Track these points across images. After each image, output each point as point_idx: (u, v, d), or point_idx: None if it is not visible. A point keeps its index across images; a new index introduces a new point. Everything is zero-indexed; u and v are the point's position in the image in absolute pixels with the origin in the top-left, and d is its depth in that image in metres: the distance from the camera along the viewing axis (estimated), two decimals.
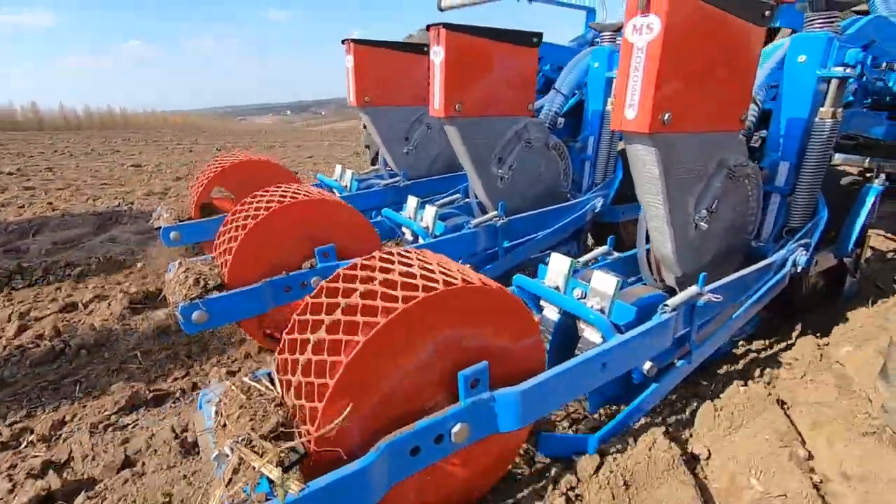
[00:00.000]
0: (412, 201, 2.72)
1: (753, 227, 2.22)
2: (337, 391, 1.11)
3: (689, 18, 1.44)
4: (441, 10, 5.39)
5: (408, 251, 1.48)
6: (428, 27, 2.38)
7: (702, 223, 1.82)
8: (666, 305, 1.65)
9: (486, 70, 2.48)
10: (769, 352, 2.41)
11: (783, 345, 2.50)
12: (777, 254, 2.15)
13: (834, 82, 2.06)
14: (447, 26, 2.30)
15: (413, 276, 1.30)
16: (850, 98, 2.82)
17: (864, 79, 2.46)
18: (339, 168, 3.62)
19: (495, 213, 2.64)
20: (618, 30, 2.89)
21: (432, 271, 1.30)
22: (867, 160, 3.31)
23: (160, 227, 2.75)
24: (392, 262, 1.39)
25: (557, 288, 1.80)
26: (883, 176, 2.43)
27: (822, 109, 2.10)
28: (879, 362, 1.73)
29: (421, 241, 2.54)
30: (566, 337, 1.79)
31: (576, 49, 3.96)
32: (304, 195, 2.18)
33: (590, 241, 3.53)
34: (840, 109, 2.12)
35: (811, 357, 2.36)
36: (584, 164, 3.20)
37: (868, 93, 2.76)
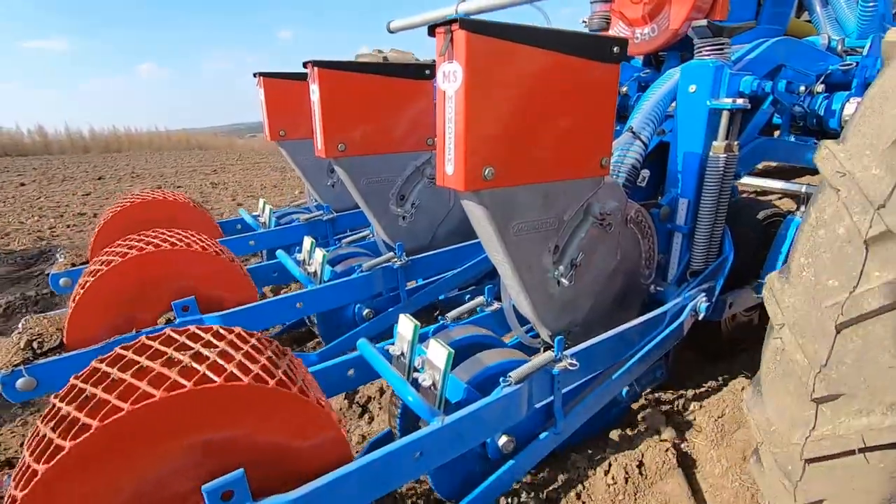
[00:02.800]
0: (307, 243, 2.57)
1: (650, 272, 2.04)
2: None
3: (498, 62, 1.28)
4: (390, 32, 5.29)
5: (208, 329, 1.33)
6: (304, 64, 2.25)
7: (564, 280, 1.64)
8: (509, 377, 1.48)
9: (372, 106, 2.34)
10: (680, 402, 2.21)
11: (700, 391, 2.30)
12: (671, 302, 1.96)
13: (725, 114, 1.89)
14: (320, 64, 2.17)
15: (175, 363, 1.16)
16: (779, 121, 2.66)
17: (779, 105, 2.30)
18: (261, 202, 3.50)
19: (392, 254, 2.49)
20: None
21: (202, 360, 1.15)
22: (804, 187, 3.12)
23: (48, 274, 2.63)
24: (169, 345, 1.24)
25: (402, 355, 1.63)
26: (804, 206, 2.24)
27: (714, 143, 1.93)
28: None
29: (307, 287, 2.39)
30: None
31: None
32: (167, 243, 2.04)
33: None
34: (736, 143, 1.94)
35: (729, 407, 2.17)
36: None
37: (794, 119, 2.58)
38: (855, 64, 2.42)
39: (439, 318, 1.88)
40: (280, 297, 2.23)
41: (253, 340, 1.34)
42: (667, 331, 1.92)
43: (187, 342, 1.26)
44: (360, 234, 2.94)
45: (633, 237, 1.89)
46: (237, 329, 1.38)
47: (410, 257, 2.52)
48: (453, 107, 1.30)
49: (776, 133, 2.74)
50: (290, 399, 1.19)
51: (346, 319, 2.59)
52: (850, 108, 2.34)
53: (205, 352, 1.22)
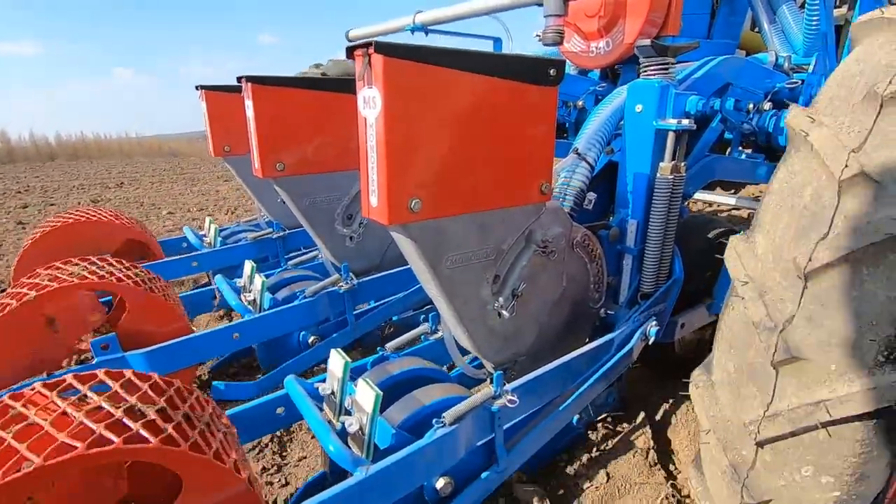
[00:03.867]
0: (247, 267, 2.44)
1: (599, 295, 1.98)
2: None
3: (420, 88, 1.19)
4: (349, 41, 5.18)
5: (118, 374, 1.20)
6: (238, 79, 2.13)
7: (504, 312, 1.56)
8: (443, 418, 1.38)
9: (311, 123, 2.23)
10: (634, 424, 2.15)
11: (654, 413, 2.26)
12: (620, 328, 1.90)
13: (671, 135, 1.85)
14: (253, 79, 2.05)
15: (64, 422, 1.03)
16: (730, 136, 2.65)
17: (728, 123, 2.28)
18: (207, 220, 3.34)
19: (337, 277, 2.38)
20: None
21: (98, 419, 1.02)
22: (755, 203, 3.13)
23: None
24: (65, 396, 1.11)
25: (333, 394, 1.52)
26: None
27: (661, 164, 1.88)
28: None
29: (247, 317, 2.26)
30: None
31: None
32: (87, 272, 1.89)
33: None
34: (683, 163, 1.91)
35: (684, 428, 2.13)
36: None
37: (744, 136, 2.58)
38: (801, 82, 2.43)
39: (378, 349, 1.78)
40: (214, 328, 2.09)
41: (171, 391, 1.21)
42: (615, 357, 1.86)
43: (88, 395, 1.13)
44: (311, 255, 2.82)
45: (579, 262, 1.83)
46: (153, 376, 1.25)
47: (359, 279, 2.42)
48: (374, 135, 1.21)
49: (729, 149, 2.74)
50: (204, 464, 1.07)
51: (290, 346, 2.46)
52: None
53: (107, 406, 1.09)
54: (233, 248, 3.11)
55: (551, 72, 1.42)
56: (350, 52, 1.21)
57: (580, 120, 3.08)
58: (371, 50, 1.14)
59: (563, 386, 1.74)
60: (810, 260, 1.09)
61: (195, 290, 2.58)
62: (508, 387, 1.52)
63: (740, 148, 2.60)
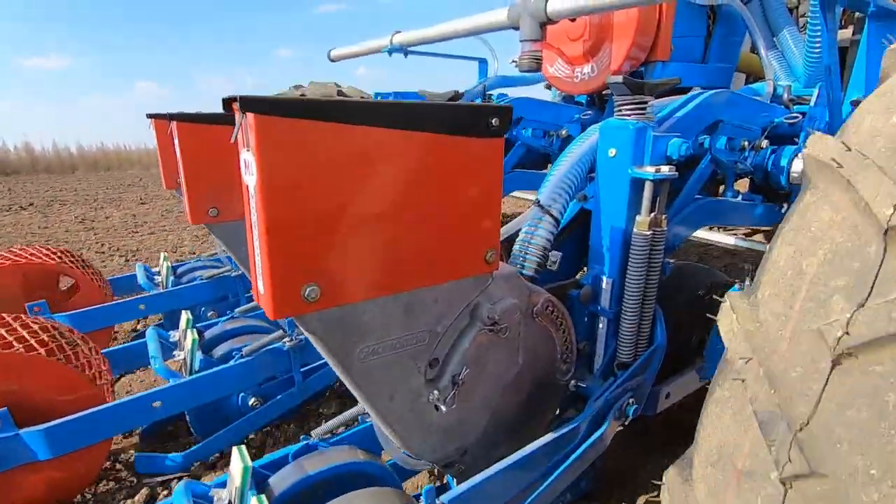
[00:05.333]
0: (182, 320, 2.19)
1: (568, 366, 1.71)
2: None
3: (307, 150, 0.94)
4: (332, 61, 4.99)
5: None
6: (148, 115, 1.90)
7: (442, 406, 1.30)
8: None
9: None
10: None
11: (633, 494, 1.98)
12: (589, 410, 1.63)
13: (648, 185, 1.59)
14: (179, 117, 1.82)
15: None
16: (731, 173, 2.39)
17: (719, 164, 2.03)
18: (161, 256, 3.10)
19: (281, 332, 2.12)
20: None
21: None
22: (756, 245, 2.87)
23: None
24: None
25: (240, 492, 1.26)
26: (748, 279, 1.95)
27: (638, 219, 1.62)
28: None
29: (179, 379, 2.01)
30: None
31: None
32: None
33: None
34: (664, 216, 1.65)
35: None
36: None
37: (738, 176, 2.32)
38: (801, 115, 2.17)
39: (302, 437, 1.52)
40: (131, 397, 1.84)
41: None
42: (585, 445, 1.59)
43: None
44: None
45: (542, 332, 1.57)
46: None
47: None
48: (254, 207, 0.96)
49: (723, 187, 2.48)
50: None
51: (229, 409, 2.20)
52: (797, 165, 2.08)
53: None
54: (186, 288, 2.87)
55: (493, 121, 1.17)
56: (227, 104, 0.96)
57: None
58: (235, 106, 0.89)
59: (519, 484, 1.47)
60: (845, 335, 0.80)
61: (116, 348, 2.31)
62: (444, 498, 1.26)
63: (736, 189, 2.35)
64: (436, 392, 1.28)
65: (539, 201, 1.66)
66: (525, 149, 3.15)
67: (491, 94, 3.95)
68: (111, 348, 2.28)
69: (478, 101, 3.71)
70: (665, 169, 1.57)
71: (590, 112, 3.17)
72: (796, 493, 0.83)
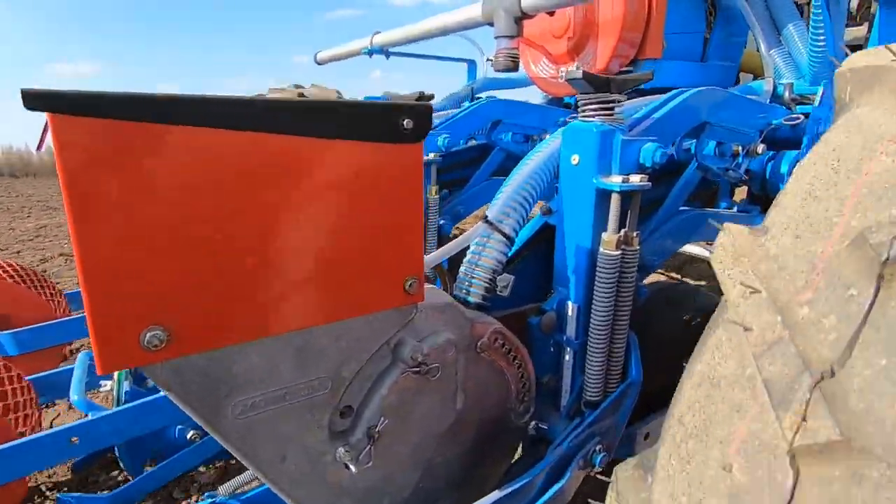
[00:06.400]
0: None
1: (526, 406, 1.48)
2: None
3: (140, 159, 0.74)
4: (318, 63, 4.84)
5: None
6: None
7: (351, 464, 1.08)
8: None
9: None
10: None
11: None
12: (549, 457, 1.40)
13: (615, 197, 1.36)
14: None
15: None
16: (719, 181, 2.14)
17: (708, 172, 1.79)
18: None
19: None
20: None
21: None
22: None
23: None
24: None
25: None
26: None
27: (604, 236, 1.39)
28: None
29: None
30: None
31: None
32: None
33: None
34: (636, 233, 1.41)
35: None
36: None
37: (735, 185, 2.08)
38: (804, 116, 1.92)
39: (206, 495, 1.31)
40: (44, 433, 1.65)
41: None
42: (543, 499, 1.36)
43: None
44: None
45: (489, 370, 1.34)
46: None
47: None
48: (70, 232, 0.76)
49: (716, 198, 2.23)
50: None
51: (165, 443, 2.00)
52: None
53: None
54: None
55: (405, 123, 0.96)
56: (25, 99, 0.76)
57: None
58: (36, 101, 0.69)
59: None
60: None
61: (40, 375, 2.12)
62: None
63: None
64: (343, 448, 1.06)
65: (487, 217, 1.43)
66: (504, 154, 2.93)
67: (479, 98, 3.75)
68: (40, 374, 2.10)
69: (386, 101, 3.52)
70: (635, 179, 1.34)
71: (575, 115, 2.94)
72: (807, 471, 0.54)
